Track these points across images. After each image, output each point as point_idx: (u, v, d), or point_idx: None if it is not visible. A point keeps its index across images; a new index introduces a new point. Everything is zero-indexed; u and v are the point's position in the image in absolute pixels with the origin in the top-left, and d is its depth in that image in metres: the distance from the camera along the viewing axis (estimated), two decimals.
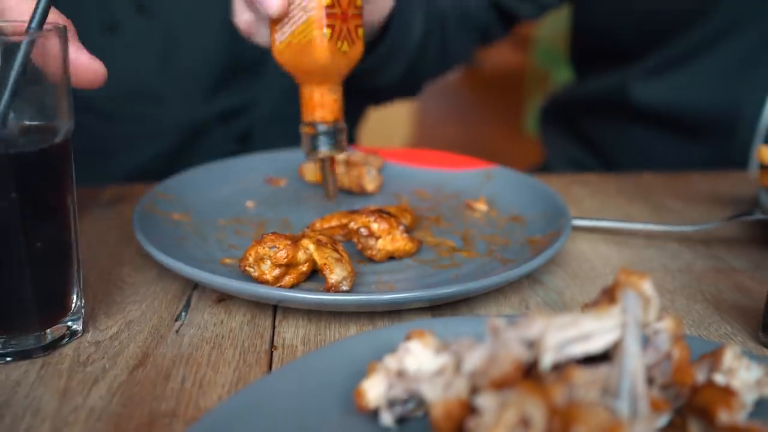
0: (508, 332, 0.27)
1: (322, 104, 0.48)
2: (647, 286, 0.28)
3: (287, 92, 0.86)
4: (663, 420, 0.28)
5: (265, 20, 0.49)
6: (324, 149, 0.49)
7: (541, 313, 0.26)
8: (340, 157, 0.60)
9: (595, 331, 0.27)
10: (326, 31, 0.46)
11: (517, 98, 3.41)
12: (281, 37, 0.47)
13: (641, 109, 0.77)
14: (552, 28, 2.98)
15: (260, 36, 0.51)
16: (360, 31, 0.49)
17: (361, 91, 0.76)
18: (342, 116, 0.50)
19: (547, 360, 0.26)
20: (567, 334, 0.26)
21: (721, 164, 0.74)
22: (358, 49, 0.49)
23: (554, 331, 0.26)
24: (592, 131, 0.87)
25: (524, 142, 2.96)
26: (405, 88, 0.78)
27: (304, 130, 0.49)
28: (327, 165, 0.51)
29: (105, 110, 0.74)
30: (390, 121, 2.35)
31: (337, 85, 0.49)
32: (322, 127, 0.49)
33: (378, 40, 0.60)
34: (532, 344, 0.26)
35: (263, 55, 0.87)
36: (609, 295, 0.28)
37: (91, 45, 0.72)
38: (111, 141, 0.76)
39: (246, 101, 0.85)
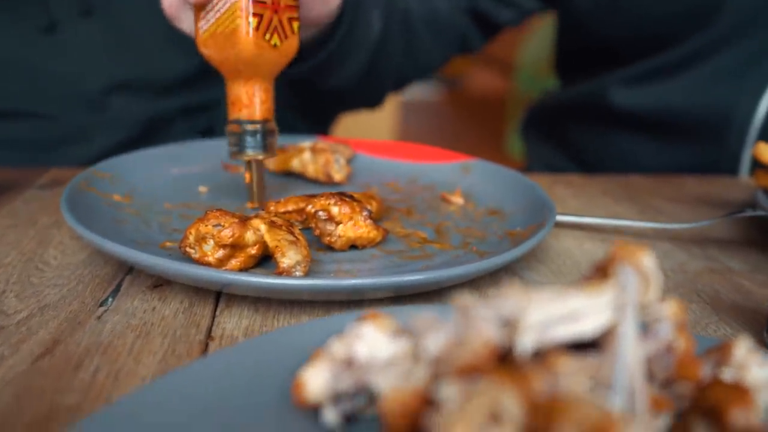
0: (480, 310, 0.22)
1: (249, 102, 0.43)
2: (647, 261, 0.23)
3: None
4: (662, 422, 0.23)
5: (190, 4, 0.44)
6: (251, 151, 0.44)
7: (519, 287, 0.22)
8: (306, 143, 0.55)
9: (585, 310, 0.22)
10: (252, 20, 0.41)
11: (500, 121, 3.41)
12: (205, 26, 0.43)
13: (622, 113, 0.74)
14: (535, 53, 2.99)
15: (184, 22, 0.46)
16: (295, 24, 0.44)
17: (321, 93, 0.71)
18: (272, 116, 0.45)
19: (526, 341, 0.21)
20: (551, 311, 0.21)
21: (709, 171, 0.70)
22: (292, 44, 0.44)
23: (535, 307, 0.21)
24: (574, 137, 0.84)
25: (506, 163, 2.94)
26: (366, 92, 0.73)
27: (230, 128, 0.44)
28: (254, 168, 0.45)
29: (51, 110, 0.69)
30: (371, 138, 2.32)
31: (268, 82, 0.44)
32: (249, 126, 0.43)
33: (330, 35, 0.55)
34: (509, 323, 0.21)
35: None
36: (602, 271, 0.24)
37: (28, 45, 0.68)
38: (64, 130, 0.71)
39: (212, 98, 0.80)
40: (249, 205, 0.47)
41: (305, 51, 0.56)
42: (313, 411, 0.24)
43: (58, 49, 0.67)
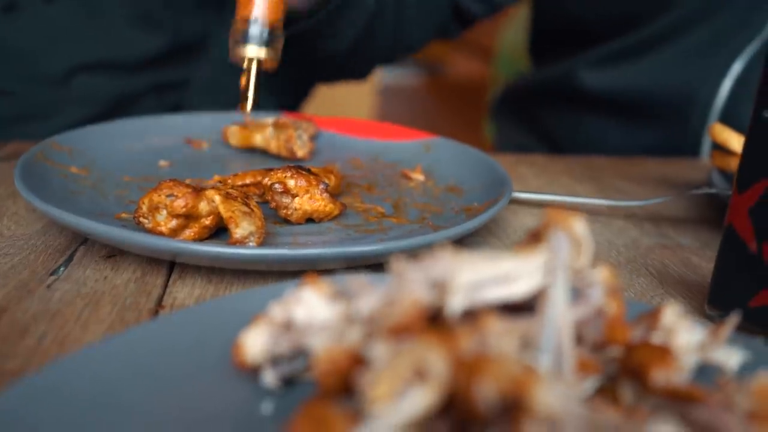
0: (412, 272, 0.22)
1: (262, 2, 0.43)
2: (579, 226, 0.24)
3: (224, 64, 0.81)
4: (590, 385, 0.24)
5: None
6: (255, 44, 0.43)
7: (451, 250, 0.22)
8: (269, 119, 0.55)
9: (516, 273, 0.22)
10: None
11: (479, 107, 3.41)
12: None
13: (590, 95, 0.75)
14: (515, 39, 2.99)
15: None
16: None
17: (309, 62, 0.71)
18: (281, 26, 0.44)
19: (455, 302, 0.21)
20: (481, 273, 0.22)
21: (673, 153, 0.71)
22: None
23: (466, 269, 0.22)
24: (544, 120, 0.85)
25: (483, 147, 2.95)
26: (353, 64, 0.74)
27: (236, 25, 0.43)
28: (254, 67, 0.44)
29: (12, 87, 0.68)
30: None
31: None
32: (256, 23, 0.43)
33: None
34: (439, 285, 0.22)
35: (204, 34, 0.82)
36: (536, 237, 0.24)
37: None
38: (27, 107, 0.70)
39: (181, 76, 0.80)
40: (240, 108, 0.45)
41: (304, 13, 0.56)
42: (254, 373, 0.24)
43: (20, 28, 0.66)
